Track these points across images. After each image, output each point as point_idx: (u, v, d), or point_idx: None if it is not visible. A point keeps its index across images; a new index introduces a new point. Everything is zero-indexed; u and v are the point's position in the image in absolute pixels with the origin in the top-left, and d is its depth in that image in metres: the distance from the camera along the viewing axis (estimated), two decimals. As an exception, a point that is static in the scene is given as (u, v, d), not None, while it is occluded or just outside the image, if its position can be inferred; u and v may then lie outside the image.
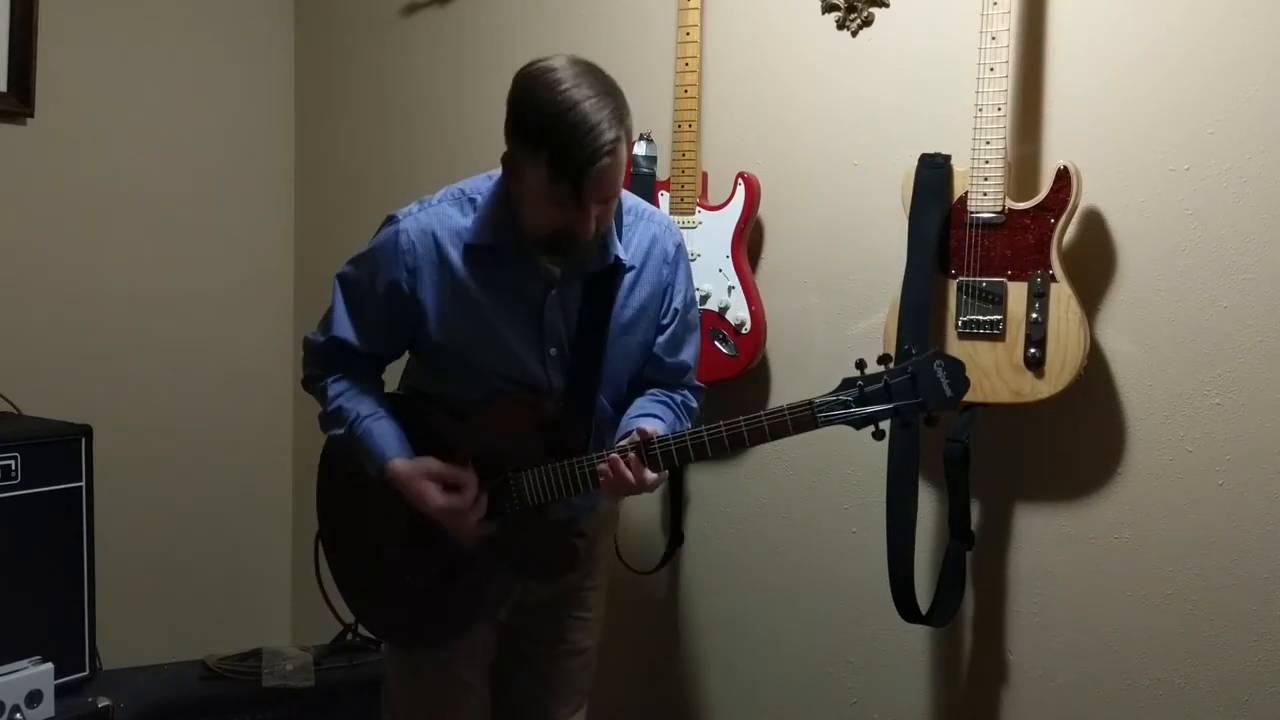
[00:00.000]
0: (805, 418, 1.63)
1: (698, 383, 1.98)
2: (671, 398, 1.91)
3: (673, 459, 1.70)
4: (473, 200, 1.81)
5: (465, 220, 1.79)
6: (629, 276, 1.84)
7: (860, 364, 1.62)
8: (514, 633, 1.98)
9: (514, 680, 2.01)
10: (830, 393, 1.62)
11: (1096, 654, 1.95)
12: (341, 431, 1.84)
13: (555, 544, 1.86)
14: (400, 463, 1.79)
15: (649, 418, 1.81)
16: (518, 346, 1.80)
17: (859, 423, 1.61)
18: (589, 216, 1.67)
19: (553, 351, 1.82)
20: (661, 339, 1.90)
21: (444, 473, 1.78)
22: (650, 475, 1.71)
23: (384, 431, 1.82)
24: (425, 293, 1.79)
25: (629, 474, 1.70)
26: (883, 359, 1.62)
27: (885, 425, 1.63)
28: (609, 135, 1.61)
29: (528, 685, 2.02)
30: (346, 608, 2.05)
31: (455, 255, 1.78)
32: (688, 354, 1.94)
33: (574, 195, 1.64)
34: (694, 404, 1.96)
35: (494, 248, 1.78)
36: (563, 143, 1.60)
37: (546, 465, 1.78)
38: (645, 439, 1.71)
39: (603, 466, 1.72)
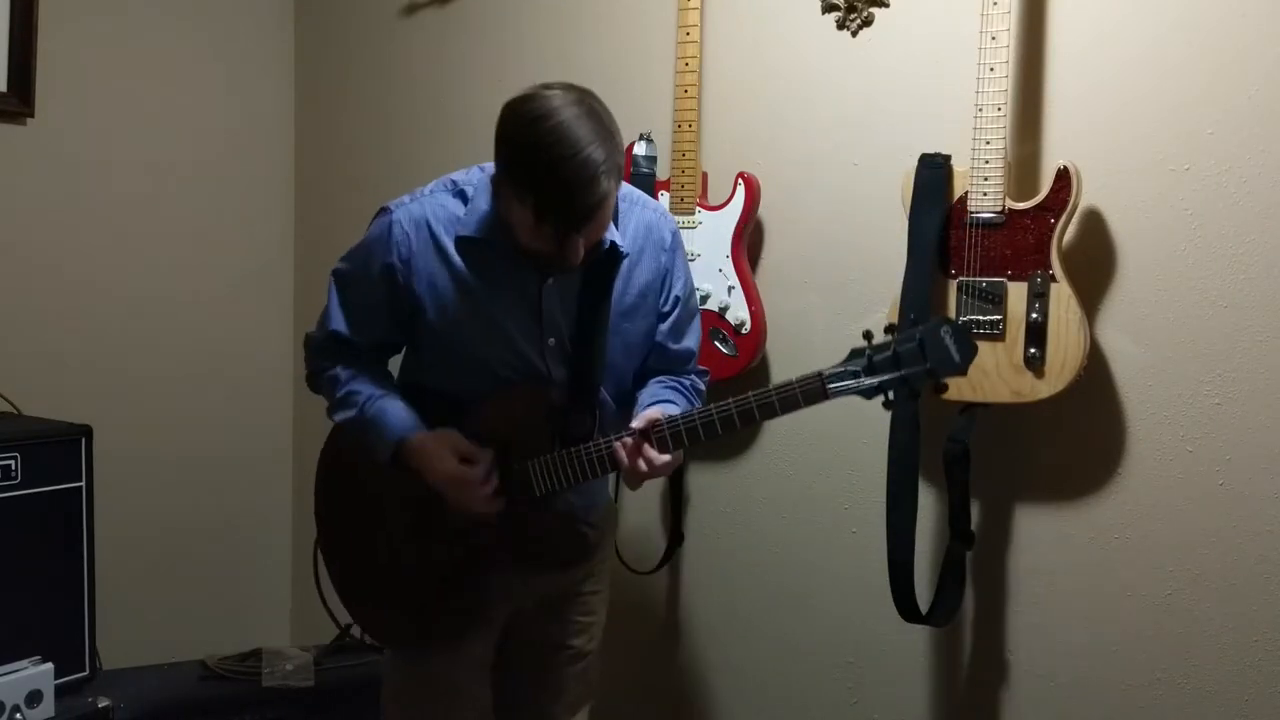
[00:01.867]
0: (815, 390, 1.61)
1: (701, 367, 1.99)
2: (680, 382, 1.91)
3: (682, 439, 1.69)
4: (464, 192, 1.79)
5: (459, 210, 1.78)
6: (626, 263, 1.82)
7: (867, 334, 1.61)
8: (513, 637, 1.97)
9: (514, 686, 2.00)
10: (838, 364, 1.61)
11: (1096, 654, 1.95)
12: (353, 414, 1.82)
13: (565, 533, 1.86)
14: (420, 434, 1.79)
15: (662, 404, 1.81)
16: (516, 336, 1.79)
17: (869, 392, 1.59)
18: (576, 247, 1.66)
19: (551, 342, 1.80)
20: (664, 326, 1.90)
21: (461, 445, 1.77)
22: (662, 457, 1.70)
23: (398, 408, 1.81)
24: (420, 283, 1.78)
25: (638, 460, 1.70)
26: (889, 329, 1.60)
27: (894, 394, 1.60)
28: (600, 190, 1.59)
29: (528, 690, 2.01)
30: (346, 613, 2.04)
31: (450, 245, 1.77)
32: (691, 340, 1.94)
33: (559, 240, 1.63)
34: (702, 387, 1.97)
35: (489, 241, 1.76)
36: (552, 195, 1.59)
37: (554, 453, 1.77)
38: (651, 423, 1.71)
39: (620, 451, 1.71)
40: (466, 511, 1.79)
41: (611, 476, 2.07)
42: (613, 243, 1.78)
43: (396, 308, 1.81)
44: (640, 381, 1.91)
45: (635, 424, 1.73)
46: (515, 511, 1.80)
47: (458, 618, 1.87)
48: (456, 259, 1.77)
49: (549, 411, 1.80)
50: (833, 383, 1.60)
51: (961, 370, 1.56)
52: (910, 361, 1.56)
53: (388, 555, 1.90)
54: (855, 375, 1.59)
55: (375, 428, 1.80)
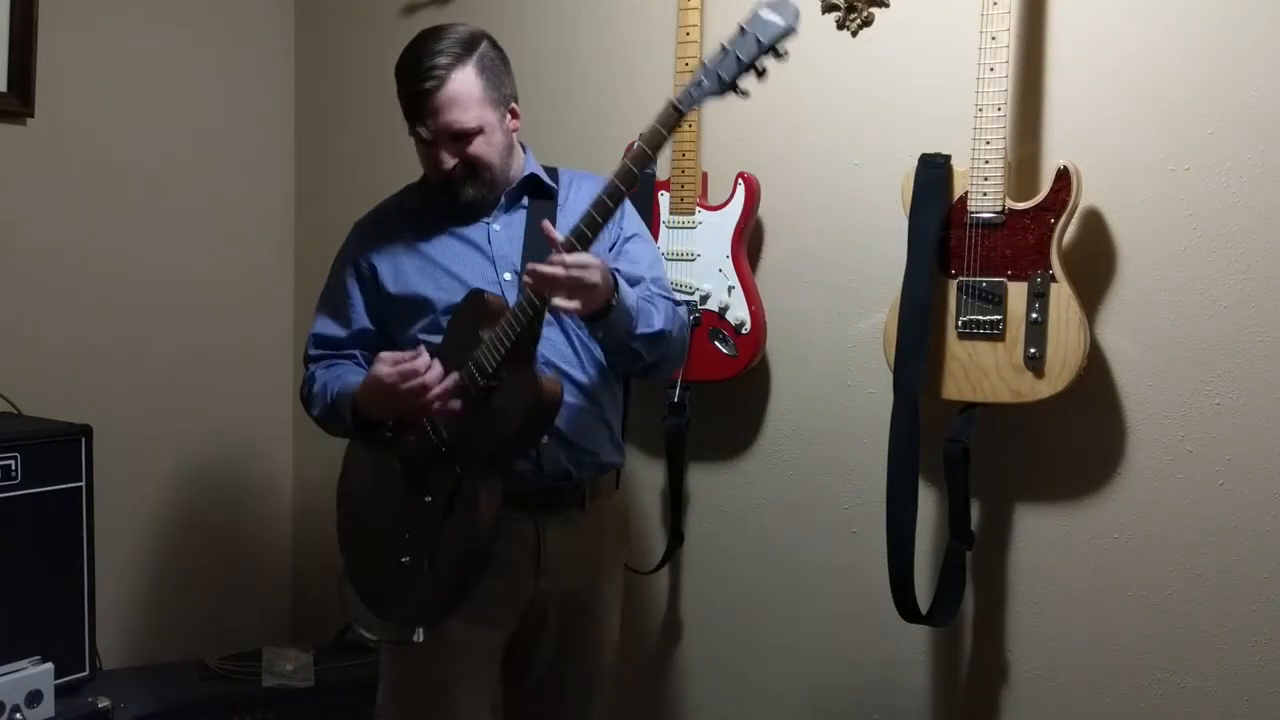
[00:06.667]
0: (669, 113, 1.64)
1: (674, 297, 2.00)
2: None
3: (585, 234, 1.68)
4: (413, 186, 2.01)
5: (407, 198, 2.00)
6: (565, 206, 1.94)
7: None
8: (523, 664, 1.96)
9: (522, 708, 2.00)
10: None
11: (1096, 654, 1.95)
12: (326, 401, 1.91)
13: (525, 390, 1.77)
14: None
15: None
16: (471, 278, 1.88)
17: (716, 89, 1.62)
18: (437, 151, 1.83)
19: (507, 276, 1.89)
20: (611, 254, 1.94)
21: (394, 354, 1.78)
22: (571, 256, 1.67)
23: (356, 379, 1.87)
24: (378, 260, 1.93)
25: (546, 267, 1.66)
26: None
27: (746, 83, 1.63)
28: (428, 63, 1.78)
29: (536, 711, 2.00)
30: (347, 612, 2.04)
31: (398, 225, 1.96)
32: (643, 268, 1.95)
33: (413, 127, 1.83)
34: (672, 298, 1.97)
35: (430, 208, 1.92)
36: (400, 78, 1.83)
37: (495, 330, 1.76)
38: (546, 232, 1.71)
39: (526, 278, 1.69)
40: (423, 409, 1.77)
41: (611, 480, 2.08)
42: (533, 174, 1.94)
43: (364, 293, 1.96)
44: None
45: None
46: (475, 400, 1.78)
47: (444, 592, 1.84)
48: (404, 231, 1.94)
49: (493, 311, 1.77)
50: (682, 100, 1.64)
51: (789, 27, 1.60)
52: (738, 44, 1.61)
53: (384, 540, 1.90)
54: (699, 83, 1.63)
55: (340, 402, 1.88)
